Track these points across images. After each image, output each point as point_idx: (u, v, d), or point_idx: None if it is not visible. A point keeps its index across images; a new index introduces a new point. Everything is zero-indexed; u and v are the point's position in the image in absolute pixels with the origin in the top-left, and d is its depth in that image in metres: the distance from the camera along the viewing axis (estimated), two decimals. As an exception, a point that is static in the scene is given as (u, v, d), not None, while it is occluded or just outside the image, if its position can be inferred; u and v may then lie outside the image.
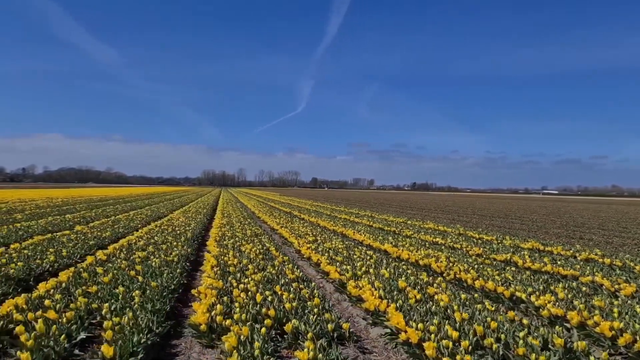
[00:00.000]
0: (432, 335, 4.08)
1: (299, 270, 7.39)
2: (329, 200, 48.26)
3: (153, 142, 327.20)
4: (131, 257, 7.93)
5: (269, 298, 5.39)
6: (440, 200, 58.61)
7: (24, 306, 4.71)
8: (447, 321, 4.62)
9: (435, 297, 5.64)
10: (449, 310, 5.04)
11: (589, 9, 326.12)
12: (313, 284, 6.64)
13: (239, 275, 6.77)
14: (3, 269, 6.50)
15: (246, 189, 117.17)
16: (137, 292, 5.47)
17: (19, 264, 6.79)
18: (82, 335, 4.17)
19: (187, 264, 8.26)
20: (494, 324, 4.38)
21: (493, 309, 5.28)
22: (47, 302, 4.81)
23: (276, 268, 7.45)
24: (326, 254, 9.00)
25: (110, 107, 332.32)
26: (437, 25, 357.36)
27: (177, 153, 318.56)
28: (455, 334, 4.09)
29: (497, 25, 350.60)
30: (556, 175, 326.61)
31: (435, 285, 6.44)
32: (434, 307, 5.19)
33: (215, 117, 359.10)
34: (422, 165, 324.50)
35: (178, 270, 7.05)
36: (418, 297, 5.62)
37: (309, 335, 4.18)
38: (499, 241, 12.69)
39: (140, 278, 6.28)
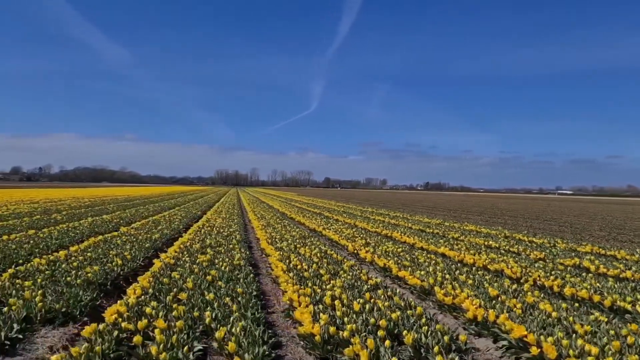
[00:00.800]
0: (571, 351, 3.82)
1: (375, 276, 7.18)
2: (350, 200, 47.97)
3: (165, 141, 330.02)
4: (196, 261, 7.77)
5: (367, 307, 5.17)
6: (461, 201, 57.95)
7: (127, 314, 4.55)
8: (565, 334, 4.36)
9: (540, 306, 5.37)
10: (564, 322, 4.77)
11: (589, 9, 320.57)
12: (398, 290, 6.41)
13: (315, 280, 6.58)
14: (80, 273, 6.38)
15: (260, 189, 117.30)
16: (227, 299, 5.30)
17: (94, 267, 6.66)
18: (199, 345, 3.99)
19: (250, 267, 8.09)
20: (631, 339, 4.10)
21: (606, 319, 5.00)
22: (147, 309, 4.65)
23: (349, 273, 7.23)
24: (390, 258, 8.76)
25: (123, 107, 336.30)
26: (445, 25, 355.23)
27: (189, 153, 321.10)
28: (594, 350, 3.82)
29: (500, 24, 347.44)
30: (569, 175, 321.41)
31: (528, 293, 6.16)
32: (545, 318, 4.92)
33: (228, 116, 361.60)
34: (434, 164, 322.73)
35: (251, 275, 6.89)
36: (518, 305, 5.36)
37: (436, 349, 3.95)
38: (551, 244, 12.33)
39: (221, 284, 6.12)
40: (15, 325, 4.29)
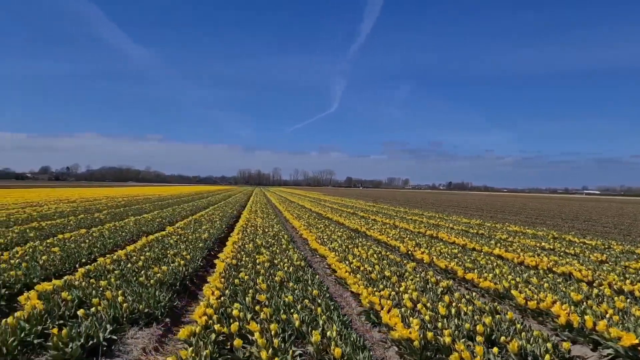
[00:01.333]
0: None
1: (440, 279, 6.98)
2: (377, 199, 47.56)
3: (188, 141, 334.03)
4: (256, 261, 7.71)
5: (452, 311, 4.99)
6: (490, 201, 56.85)
7: (216, 316, 4.49)
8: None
9: (633, 311, 5.10)
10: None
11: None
12: (473, 294, 6.21)
13: (384, 282, 6.43)
14: (149, 273, 6.39)
15: (284, 188, 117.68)
16: (306, 301, 5.21)
17: (163, 268, 6.68)
18: (298, 350, 3.89)
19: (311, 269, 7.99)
20: None
21: None
22: (234, 312, 4.57)
23: (415, 275, 7.05)
24: (450, 260, 8.53)
25: (147, 107, 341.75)
26: (466, 24, 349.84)
27: (212, 152, 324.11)
28: None
29: (522, 22, 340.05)
30: (594, 175, 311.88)
31: (614, 298, 5.86)
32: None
33: (249, 116, 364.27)
34: (456, 164, 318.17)
35: (317, 276, 6.78)
36: (610, 311, 5.10)
37: (547, 357, 3.75)
38: (605, 246, 11.89)
39: (292, 285, 6.03)
40: (108, 326, 4.28)
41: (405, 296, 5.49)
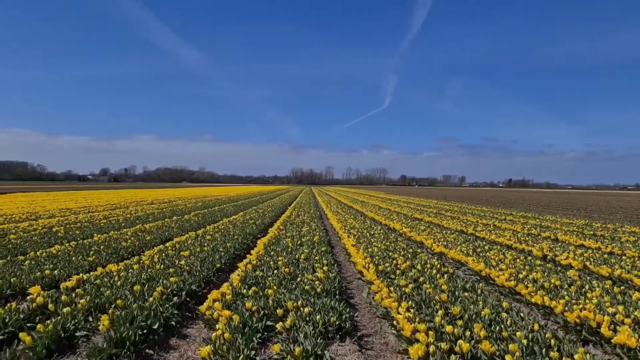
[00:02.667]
0: None
1: None
2: (449, 199, 45.68)
3: (239, 141, 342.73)
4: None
5: None
6: (570, 199, 53.00)
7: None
8: None
9: None
10: None
11: None
12: None
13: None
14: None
15: (340, 188, 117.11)
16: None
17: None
18: None
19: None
20: None
21: None
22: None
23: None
24: None
25: (200, 108, 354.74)
26: (526, 10, 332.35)
27: (263, 152, 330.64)
28: None
29: (594, 7, 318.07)
30: None
31: None
32: None
33: (300, 115, 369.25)
34: (515, 160, 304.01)
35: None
36: None
37: None
38: None
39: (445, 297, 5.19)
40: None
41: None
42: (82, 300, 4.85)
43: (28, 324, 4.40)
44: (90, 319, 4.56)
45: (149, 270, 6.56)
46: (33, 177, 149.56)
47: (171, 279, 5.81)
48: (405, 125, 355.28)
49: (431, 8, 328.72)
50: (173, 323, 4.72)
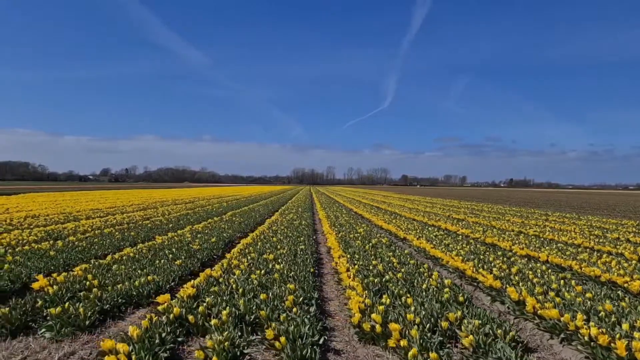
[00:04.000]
0: None
1: None
2: (460, 198, 45.25)
3: (241, 141, 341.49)
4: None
5: None
6: (582, 199, 52.67)
7: None
8: None
9: None
10: None
11: None
12: None
13: None
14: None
15: (343, 188, 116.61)
16: None
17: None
18: None
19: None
20: None
21: None
22: None
23: None
24: None
25: (200, 108, 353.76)
26: (527, 9, 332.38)
27: (264, 152, 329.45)
28: None
29: (596, 6, 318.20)
30: None
31: None
32: None
33: (301, 115, 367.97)
34: (516, 160, 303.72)
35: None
36: None
37: None
38: None
39: None
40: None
41: None
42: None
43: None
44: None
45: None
46: (35, 177, 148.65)
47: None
48: (407, 125, 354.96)
49: (431, 8, 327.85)
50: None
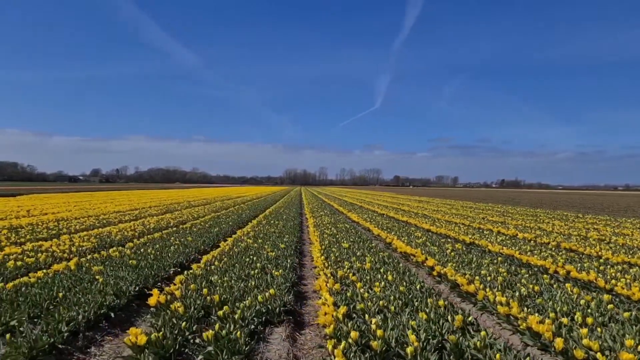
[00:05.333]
0: None
1: None
2: (474, 200, 45.08)
3: (233, 141, 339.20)
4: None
5: None
6: (588, 200, 52.89)
7: None
8: None
9: None
10: None
11: None
12: None
13: None
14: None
15: (336, 188, 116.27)
16: None
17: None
18: None
19: None
20: None
21: None
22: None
23: None
24: None
25: (191, 108, 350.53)
26: (518, 11, 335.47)
27: (257, 152, 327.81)
28: None
29: (586, 8, 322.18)
30: None
31: None
32: None
33: (293, 115, 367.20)
34: (507, 160, 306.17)
35: None
36: None
37: None
38: None
39: None
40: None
41: None
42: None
43: None
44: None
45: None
46: (23, 178, 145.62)
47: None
48: (398, 125, 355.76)
49: (423, 8, 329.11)
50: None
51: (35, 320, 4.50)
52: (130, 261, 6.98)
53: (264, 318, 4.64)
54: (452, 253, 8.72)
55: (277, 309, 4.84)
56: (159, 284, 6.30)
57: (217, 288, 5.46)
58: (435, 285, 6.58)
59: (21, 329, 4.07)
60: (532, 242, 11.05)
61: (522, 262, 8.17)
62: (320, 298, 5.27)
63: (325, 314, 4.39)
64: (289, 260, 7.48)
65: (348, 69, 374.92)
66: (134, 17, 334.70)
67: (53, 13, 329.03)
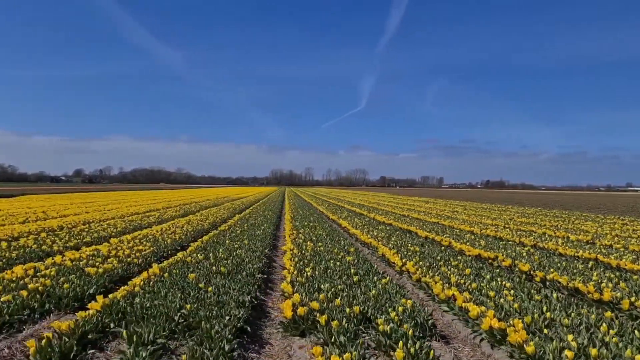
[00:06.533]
0: None
1: None
2: (471, 201, 45.20)
3: (217, 142, 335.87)
4: None
5: None
6: (581, 200, 53.57)
7: None
8: None
9: None
10: None
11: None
12: None
13: None
14: None
15: (325, 190, 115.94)
16: None
17: None
18: None
19: None
20: None
21: None
22: None
23: None
24: None
25: (175, 108, 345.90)
26: (507, 12, 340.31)
27: (240, 152, 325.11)
28: None
29: (567, 10, 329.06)
30: (636, 171, 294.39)
31: None
32: None
33: (278, 116, 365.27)
34: (491, 161, 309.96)
35: None
36: None
37: None
38: None
39: None
40: None
41: None
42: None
43: None
44: None
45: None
46: (4, 178, 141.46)
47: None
48: (383, 126, 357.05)
49: (407, 10, 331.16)
50: None
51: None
52: (221, 268, 6.50)
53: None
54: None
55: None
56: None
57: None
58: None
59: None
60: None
61: None
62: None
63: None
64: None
65: (333, 69, 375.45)
66: (116, 15, 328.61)
67: (31, 10, 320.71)
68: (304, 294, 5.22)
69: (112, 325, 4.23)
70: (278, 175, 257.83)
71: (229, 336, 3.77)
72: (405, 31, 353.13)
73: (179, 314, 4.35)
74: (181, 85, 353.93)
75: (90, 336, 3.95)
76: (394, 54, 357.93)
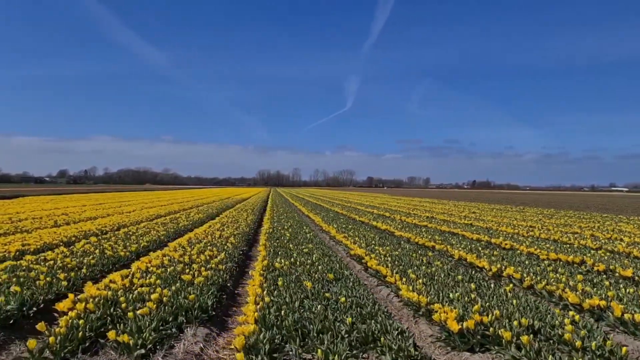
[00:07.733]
0: None
1: None
2: (464, 200, 45.36)
3: (203, 142, 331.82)
4: None
5: None
6: (573, 200, 54.36)
7: None
8: None
9: None
10: None
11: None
12: None
13: None
14: None
15: (315, 190, 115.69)
16: None
17: None
18: None
19: None
20: None
21: None
22: None
23: None
24: None
25: (160, 109, 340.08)
26: (490, 14, 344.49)
27: (227, 153, 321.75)
28: None
29: (556, 12, 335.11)
30: (620, 172, 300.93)
31: None
32: None
33: (265, 116, 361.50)
34: (476, 162, 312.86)
35: None
36: None
37: None
38: None
39: None
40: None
41: None
42: None
43: None
44: None
45: None
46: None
47: None
48: (369, 126, 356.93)
49: (391, 12, 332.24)
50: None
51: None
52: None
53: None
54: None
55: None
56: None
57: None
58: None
59: None
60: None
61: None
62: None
63: None
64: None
65: (319, 70, 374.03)
66: (98, 14, 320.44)
67: (11, 8, 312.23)
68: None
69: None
70: (265, 176, 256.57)
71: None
72: (391, 33, 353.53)
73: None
74: (166, 85, 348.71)
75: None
76: (379, 55, 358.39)
